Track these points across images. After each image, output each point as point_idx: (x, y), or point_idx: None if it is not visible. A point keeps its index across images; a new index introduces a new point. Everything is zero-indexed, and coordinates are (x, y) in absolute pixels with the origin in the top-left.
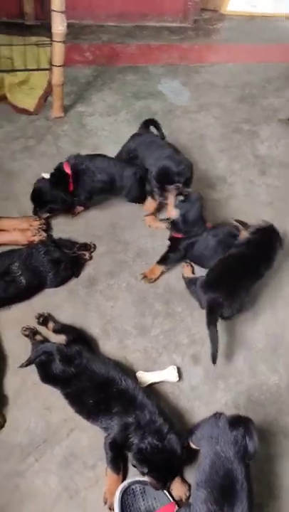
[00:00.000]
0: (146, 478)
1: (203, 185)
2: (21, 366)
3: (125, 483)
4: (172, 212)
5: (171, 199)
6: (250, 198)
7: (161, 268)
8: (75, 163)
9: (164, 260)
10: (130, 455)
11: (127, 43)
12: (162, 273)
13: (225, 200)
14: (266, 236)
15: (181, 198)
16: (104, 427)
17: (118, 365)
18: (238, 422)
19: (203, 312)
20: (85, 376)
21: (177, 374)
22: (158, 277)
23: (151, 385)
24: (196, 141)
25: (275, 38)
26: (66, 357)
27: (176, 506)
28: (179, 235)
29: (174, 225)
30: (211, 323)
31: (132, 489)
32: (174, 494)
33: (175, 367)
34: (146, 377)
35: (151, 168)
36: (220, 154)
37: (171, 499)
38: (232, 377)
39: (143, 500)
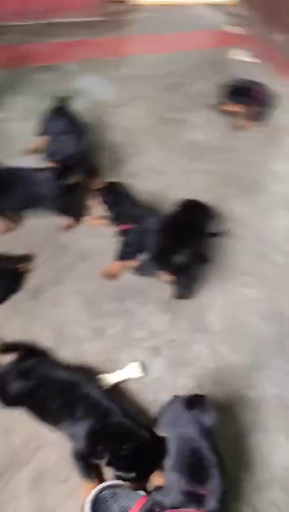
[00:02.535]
0: (120, 482)
1: (139, 179)
2: None
3: (92, 493)
4: (101, 207)
5: (94, 197)
6: (187, 186)
7: (119, 264)
8: None
9: (121, 256)
10: (112, 467)
11: (38, 41)
12: (123, 267)
13: (163, 191)
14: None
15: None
16: (70, 434)
17: (79, 370)
18: (193, 400)
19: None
20: (47, 384)
21: (140, 369)
22: (119, 272)
23: (115, 385)
24: (126, 136)
25: (193, 25)
26: (22, 372)
27: None
28: (126, 226)
29: (112, 217)
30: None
31: (102, 496)
32: (153, 483)
33: (136, 363)
34: (109, 378)
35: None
36: (152, 146)
37: (142, 493)
38: (194, 362)
39: (115, 502)
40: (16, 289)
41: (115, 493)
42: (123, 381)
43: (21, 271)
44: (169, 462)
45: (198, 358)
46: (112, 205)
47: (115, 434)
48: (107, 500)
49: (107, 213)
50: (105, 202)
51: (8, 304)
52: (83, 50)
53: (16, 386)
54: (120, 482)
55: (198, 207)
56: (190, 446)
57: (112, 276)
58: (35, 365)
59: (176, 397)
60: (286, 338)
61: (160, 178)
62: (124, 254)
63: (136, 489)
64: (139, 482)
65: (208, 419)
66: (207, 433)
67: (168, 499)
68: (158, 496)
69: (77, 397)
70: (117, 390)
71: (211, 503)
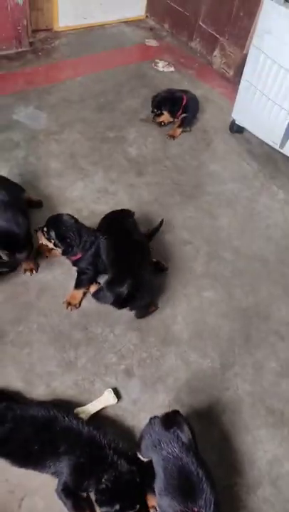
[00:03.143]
0: None
1: (87, 201)
2: None
3: None
4: (48, 244)
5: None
6: (134, 201)
7: (80, 291)
8: None
9: (78, 284)
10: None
11: None
12: (85, 294)
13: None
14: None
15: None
16: (53, 471)
17: (54, 406)
18: (169, 418)
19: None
20: (25, 424)
21: (114, 395)
22: (81, 300)
23: (93, 416)
24: (67, 161)
25: (115, 43)
26: None
27: None
28: (76, 256)
29: (62, 251)
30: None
31: None
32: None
33: (110, 389)
34: (86, 410)
35: None
36: (94, 167)
37: None
38: (168, 376)
39: None
40: None
41: None
42: (101, 410)
43: None
44: (158, 486)
45: (171, 371)
46: (58, 240)
47: (97, 467)
48: None
49: (56, 248)
50: (49, 239)
51: None
52: (13, 82)
53: None
54: None
55: (116, 221)
56: (175, 465)
57: (74, 305)
58: (7, 410)
59: (152, 418)
60: (249, 330)
61: (108, 197)
62: (81, 282)
63: None
64: None
65: (184, 435)
66: (188, 448)
67: None
68: None
69: (58, 432)
70: (96, 420)
71: None
